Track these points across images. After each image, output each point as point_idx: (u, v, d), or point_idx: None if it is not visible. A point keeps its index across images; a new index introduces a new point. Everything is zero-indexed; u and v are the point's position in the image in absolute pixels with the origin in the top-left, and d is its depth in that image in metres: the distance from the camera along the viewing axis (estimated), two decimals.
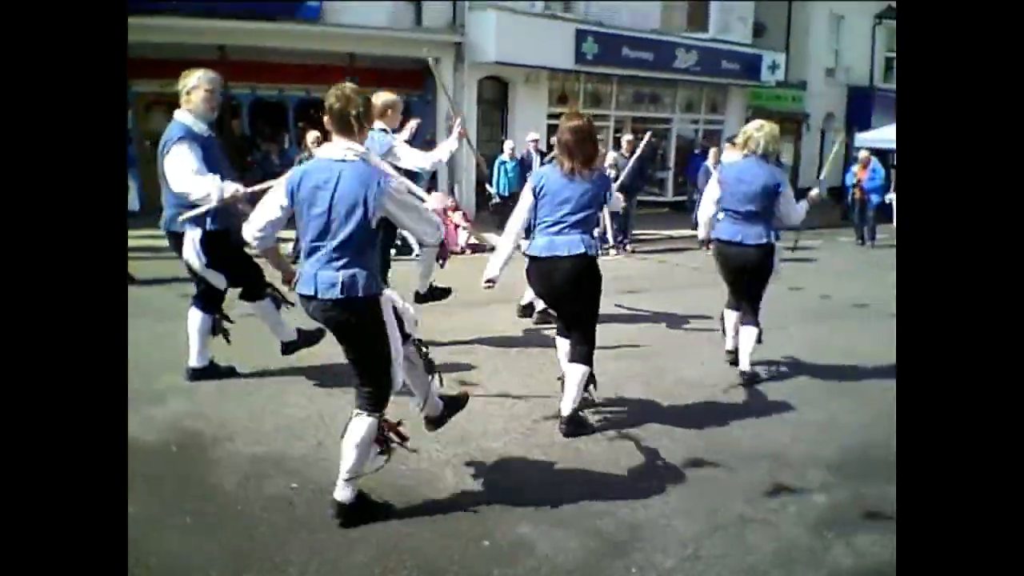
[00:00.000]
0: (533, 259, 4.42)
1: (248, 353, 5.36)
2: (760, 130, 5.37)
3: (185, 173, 4.51)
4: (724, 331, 5.99)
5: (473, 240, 11.32)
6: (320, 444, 4.14)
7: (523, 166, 13.18)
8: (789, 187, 5.43)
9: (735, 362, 5.72)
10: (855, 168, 15.22)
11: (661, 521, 3.44)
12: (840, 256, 13.35)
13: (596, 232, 4.79)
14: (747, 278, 5.52)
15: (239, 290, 5.08)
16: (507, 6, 15.22)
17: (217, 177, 4.54)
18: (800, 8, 22.57)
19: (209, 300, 5.03)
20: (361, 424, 3.29)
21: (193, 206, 4.58)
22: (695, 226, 7.10)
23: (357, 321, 3.25)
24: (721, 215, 5.55)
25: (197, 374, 5.09)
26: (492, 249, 5.06)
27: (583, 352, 4.44)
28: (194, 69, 4.73)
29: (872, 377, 5.76)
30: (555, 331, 4.89)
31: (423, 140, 15.77)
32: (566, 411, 4.42)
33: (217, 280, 4.92)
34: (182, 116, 4.68)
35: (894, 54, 25.10)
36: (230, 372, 5.21)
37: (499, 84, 16.50)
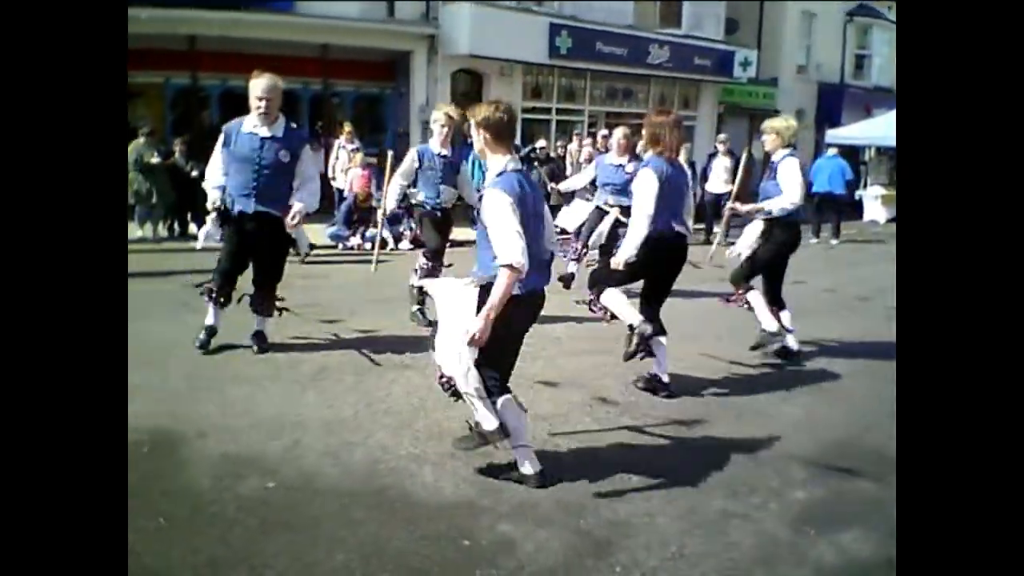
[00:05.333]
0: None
1: (220, 349, 5.27)
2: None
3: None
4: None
5: None
6: (297, 443, 4.06)
7: None
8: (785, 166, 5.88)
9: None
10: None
11: (644, 519, 3.41)
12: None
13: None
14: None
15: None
16: None
17: None
18: (772, 5, 22.71)
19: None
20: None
21: None
22: None
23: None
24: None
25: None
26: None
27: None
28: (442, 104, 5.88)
29: (846, 371, 5.81)
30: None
31: (395, 133, 15.76)
32: (664, 376, 5.13)
33: None
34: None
35: (865, 51, 25.40)
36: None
37: (473, 77, 16.41)
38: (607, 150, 10.89)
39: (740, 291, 6.10)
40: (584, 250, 7.90)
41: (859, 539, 3.33)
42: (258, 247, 5.36)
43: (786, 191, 5.82)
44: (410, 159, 6.43)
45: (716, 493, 3.71)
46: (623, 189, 7.25)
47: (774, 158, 5.98)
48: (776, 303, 6.12)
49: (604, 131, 13.77)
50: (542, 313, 7.00)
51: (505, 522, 3.33)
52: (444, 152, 6.41)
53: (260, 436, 4.13)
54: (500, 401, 3.63)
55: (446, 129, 6.34)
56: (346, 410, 4.57)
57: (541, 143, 13.38)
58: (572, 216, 8.48)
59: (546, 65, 16.83)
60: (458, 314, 3.50)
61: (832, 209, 14.90)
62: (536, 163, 12.70)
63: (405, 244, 11.66)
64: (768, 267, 6.09)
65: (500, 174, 3.54)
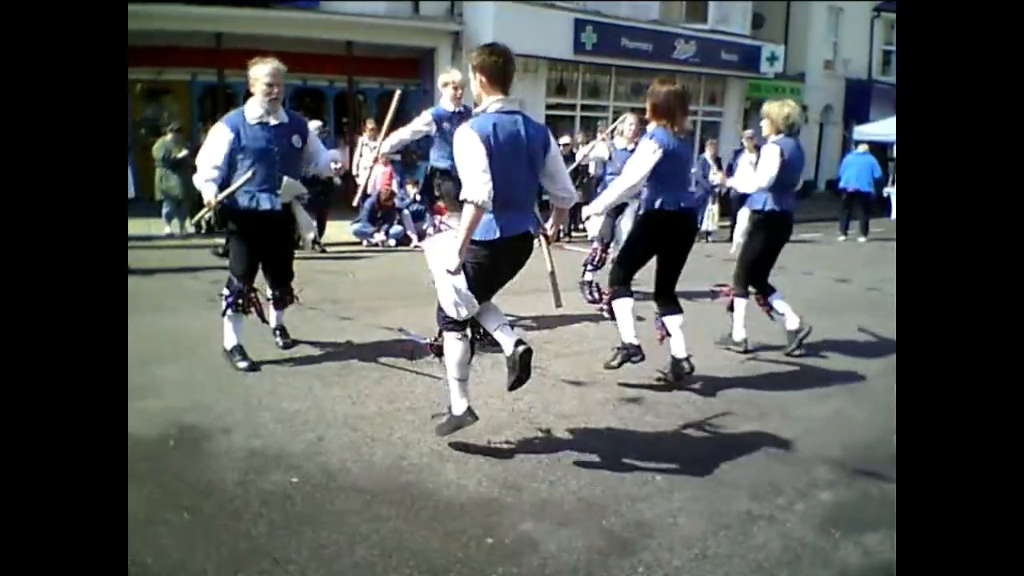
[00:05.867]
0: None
1: (245, 344, 5.29)
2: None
3: None
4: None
5: None
6: (320, 438, 4.08)
7: None
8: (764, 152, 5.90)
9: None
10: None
11: (667, 519, 3.39)
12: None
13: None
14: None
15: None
16: None
17: None
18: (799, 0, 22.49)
19: None
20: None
21: None
22: None
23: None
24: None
25: None
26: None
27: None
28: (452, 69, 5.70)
29: (875, 371, 5.73)
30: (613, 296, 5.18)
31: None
32: (681, 354, 5.07)
33: None
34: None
35: (892, 47, 25.06)
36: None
37: None
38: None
39: (731, 291, 6.16)
40: (604, 254, 7.50)
41: (885, 541, 3.27)
42: (279, 241, 5.26)
43: (755, 175, 5.87)
44: (423, 120, 6.00)
45: (741, 494, 3.67)
46: None
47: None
48: (763, 290, 6.11)
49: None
50: (567, 312, 7.02)
51: (528, 520, 3.32)
52: (459, 109, 6.23)
53: (284, 431, 4.16)
54: (455, 337, 3.83)
55: (460, 91, 6.04)
56: (369, 406, 4.58)
57: (564, 140, 13.32)
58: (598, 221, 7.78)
59: (571, 61, 16.80)
60: (442, 262, 3.70)
61: (860, 206, 14.74)
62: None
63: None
64: (760, 260, 6.06)
65: (479, 113, 3.66)
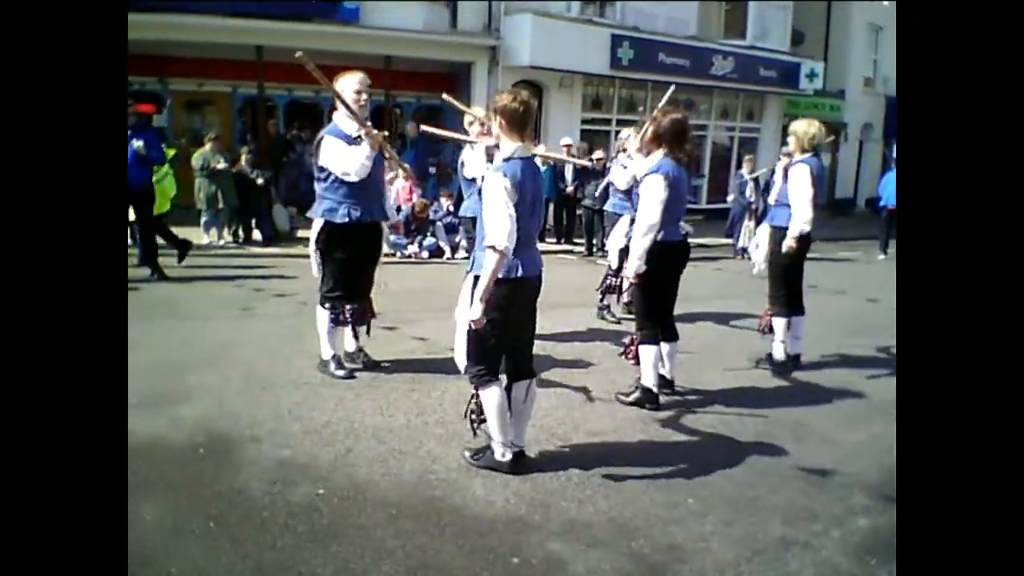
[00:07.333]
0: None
1: (278, 353, 5.32)
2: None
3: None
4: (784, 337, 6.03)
5: None
6: (348, 450, 4.06)
7: (555, 172, 13.09)
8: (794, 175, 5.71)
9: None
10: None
11: (699, 543, 3.30)
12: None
13: None
14: None
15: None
16: (543, 10, 15.15)
17: None
18: (838, 16, 22.27)
19: None
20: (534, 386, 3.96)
21: None
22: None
23: None
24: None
25: None
26: None
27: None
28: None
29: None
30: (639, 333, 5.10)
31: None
32: (669, 377, 5.20)
33: None
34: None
35: None
36: None
37: (533, 88, 16.43)
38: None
39: (768, 311, 6.08)
40: (621, 289, 6.85)
41: None
42: (374, 250, 5.30)
43: (796, 211, 5.65)
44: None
45: (775, 518, 3.57)
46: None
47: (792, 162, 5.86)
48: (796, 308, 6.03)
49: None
50: (597, 326, 6.98)
51: (555, 540, 3.26)
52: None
53: (313, 442, 4.15)
54: (489, 389, 3.80)
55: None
56: (398, 418, 4.56)
57: (599, 154, 13.27)
58: (616, 239, 7.21)
59: (607, 76, 16.75)
60: (460, 308, 3.80)
61: None
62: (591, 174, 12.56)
63: (462, 254, 11.70)
64: (787, 277, 5.92)
65: (507, 159, 3.68)
